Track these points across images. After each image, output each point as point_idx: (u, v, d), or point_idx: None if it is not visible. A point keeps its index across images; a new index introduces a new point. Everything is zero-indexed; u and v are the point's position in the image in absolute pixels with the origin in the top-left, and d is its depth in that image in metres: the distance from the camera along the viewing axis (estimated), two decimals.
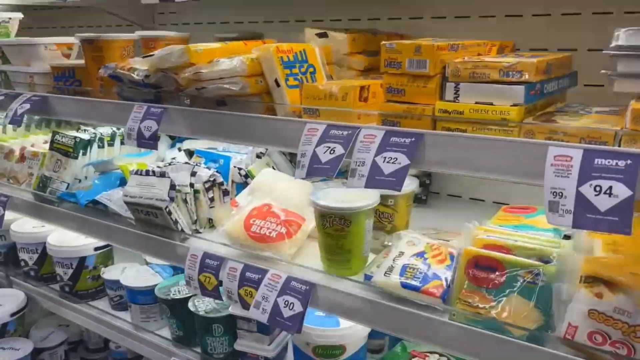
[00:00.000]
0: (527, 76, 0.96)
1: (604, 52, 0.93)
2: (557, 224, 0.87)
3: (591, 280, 0.95)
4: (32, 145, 2.12)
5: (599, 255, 1.03)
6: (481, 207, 1.76)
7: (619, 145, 0.87)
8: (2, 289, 2.24)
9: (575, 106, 1.11)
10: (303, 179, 1.13)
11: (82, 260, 1.96)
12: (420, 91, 1.04)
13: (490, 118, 0.97)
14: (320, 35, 1.49)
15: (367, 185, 1.02)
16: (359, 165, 1.04)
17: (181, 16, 2.41)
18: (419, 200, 1.76)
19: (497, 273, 1.06)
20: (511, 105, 0.96)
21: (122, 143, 2.07)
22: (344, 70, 1.49)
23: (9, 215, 1.96)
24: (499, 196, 1.72)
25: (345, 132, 1.09)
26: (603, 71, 0.94)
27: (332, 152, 1.08)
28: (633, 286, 0.91)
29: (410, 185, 1.37)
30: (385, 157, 1.02)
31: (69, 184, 1.87)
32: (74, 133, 1.98)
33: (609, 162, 0.83)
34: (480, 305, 1.05)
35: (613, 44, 0.92)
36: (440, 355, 1.45)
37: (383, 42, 1.08)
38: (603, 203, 0.82)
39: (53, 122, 2.42)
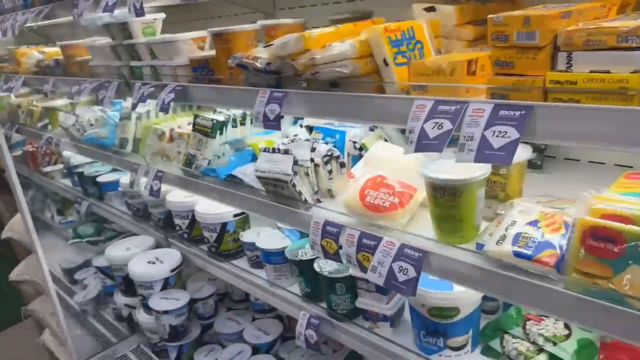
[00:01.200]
0: None
1: None
2: None
3: None
4: (179, 127, 2.32)
5: None
6: (601, 170, 1.61)
7: None
8: (163, 249, 2.53)
9: None
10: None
11: (224, 225, 2.13)
12: (529, 63, 0.97)
13: (606, 87, 0.87)
14: (428, 10, 1.43)
15: (476, 160, 0.98)
16: (467, 140, 1.01)
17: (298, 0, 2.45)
18: (533, 165, 1.65)
19: (616, 244, 0.97)
20: (631, 72, 0.86)
21: (252, 122, 2.19)
22: (453, 42, 1.42)
23: (164, 187, 2.19)
24: (621, 159, 1.56)
25: (453, 107, 1.05)
26: None
27: (440, 127, 1.05)
28: None
29: (523, 154, 1.29)
30: (494, 131, 0.97)
31: (209, 160, 2.03)
32: (211, 115, 2.13)
33: None
34: (598, 276, 0.98)
35: None
36: (556, 319, 1.39)
37: (490, 15, 1.01)
38: None
39: (194, 105, 2.62)
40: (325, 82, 1.35)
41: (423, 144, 1.06)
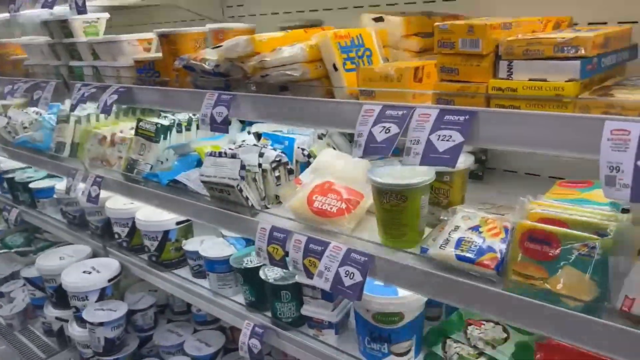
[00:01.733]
0: (583, 51, 0.90)
1: None
2: (614, 198, 0.82)
3: None
4: (121, 132, 2.24)
5: None
6: (537, 182, 1.69)
7: None
8: (100, 258, 2.41)
9: (634, 79, 1.04)
10: (360, 158, 1.13)
11: (166, 233, 2.06)
12: (473, 70, 1.01)
13: (544, 94, 0.92)
14: (377, 20, 1.46)
15: (421, 163, 1.00)
16: (413, 144, 1.03)
17: (248, 8, 2.44)
18: (475, 176, 1.71)
19: (551, 246, 1.02)
20: (566, 81, 0.91)
21: (198, 128, 2.15)
22: (400, 52, 1.46)
23: (103, 193, 2.09)
24: (554, 171, 1.64)
25: (400, 112, 1.07)
26: None
27: (387, 131, 1.07)
28: None
29: (466, 161, 1.33)
30: (439, 135, 1.00)
31: (152, 166, 1.97)
32: (155, 119, 2.07)
33: None
34: (535, 277, 1.02)
35: None
36: (496, 323, 1.43)
37: (437, 23, 1.05)
38: None
39: (138, 109, 2.54)
40: (275, 85, 1.34)
41: (371, 147, 1.07)
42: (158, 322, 2.47)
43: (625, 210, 1.08)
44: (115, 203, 2.25)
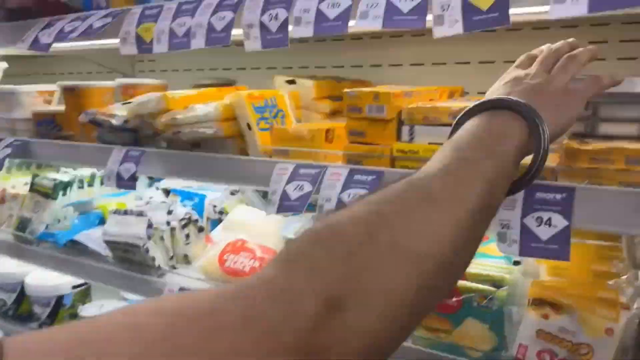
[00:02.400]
0: None
1: None
2: (506, 253, 0.91)
3: (538, 302, 0.99)
4: (13, 187, 2.08)
5: (544, 280, 1.07)
6: None
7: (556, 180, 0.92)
8: None
9: None
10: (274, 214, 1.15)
11: (60, 298, 1.90)
12: (379, 133, 1.08)
13: None
14: (290, 82, 1.53)
15: None
16: (325, 202, 1.07)
17: (159, 64, 2.44)
18: None
19: (454, 299, 1.08)
20: None
21: (101, 183, 2.05)
22: (312, 114, 1.53)
23: None
24: None
25: (313, 171, 1.12)
26: None
27: (300, 189, 1.10)
28: (574, 307, 0.95)
29: None
30: (349, 194, 1.04)
31: (47, 225, 1.84)
32: (53, 175, 1.96)
33: (547, 195, 0.88)
34: (441, 329, 1.08)
35: None
36: None
37: (345, 89, 1.12)
38: (544, 233, 0.86)
39: (33, 164, 2.38)
40: (186, 142, 1.34)
41: (285, 205, 1.09)
42: None
43: (516, 263, 1.18)
44: (2, 266, 2.05)
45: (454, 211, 0.57)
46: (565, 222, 0.84)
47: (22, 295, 2.00)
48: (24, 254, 1.82)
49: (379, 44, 1.77)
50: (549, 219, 0.86)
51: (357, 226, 0.53)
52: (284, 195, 1.11)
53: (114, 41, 1.36)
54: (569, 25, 1.41)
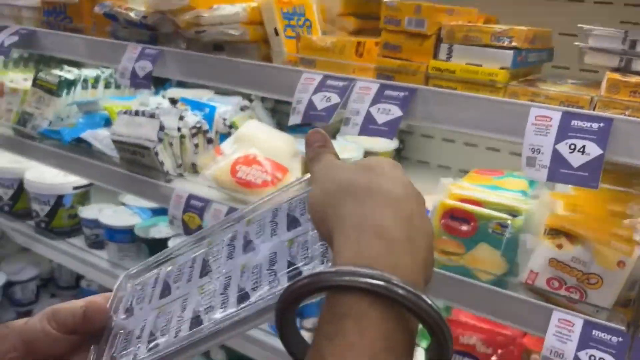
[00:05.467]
0: (516, 43, 1.00)
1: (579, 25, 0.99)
2: (533, 178, 0.92)
3: (554, 232, 1.01)
4: (12, 82, 2.03)
5: (561, 213, 1.10)
6: (447, 173, 1.82)
7: (594, 110, 0.93)
8: None
9: (551, 77, 1.17)
10: (297, 125, 1.14)
11: (60, 198, 1.91)
12: (416, 49, 1.07)
13: (479, 78, 1.00)
14: None
15: (360, 133, 1.04)
16: (353, 115, 1.06)
17: None
18: None
19: (469, 224, 1.11)
20: (499, 68, 1.00)
21: (105, 86, 2.01)
22: (335, 30, 1.49)
23: None
24: (464, 164, 1.78)
25: (341, 83, 1.10)
26: (576, 43, 1.00)
27: (328, 100, 1.09)
28: (590, 238, 0.98)
29: (391, 144, 1.40)
30: (379, 108, 1.04)
31: (51, 122, 1.81)
32: (58, 72, 1.91)
33: (584, 124, 0.89)
34: (453, 252, 1.11)
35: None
36: None
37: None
38: (576, 160, 0.87)
39: (32, 61, 2.32)
40: (208, 44, 1.31)
41: (311, 115, 1.09)
42: (40, 296, 2.28)
43: (534, 197, 1.21)
44: None
45: None
46: (599, 151, 0.85)
47: (20, 190, 2.01)
48: (24, 150, 1.81)
49: None
50: (583, 147, 0.87)
51: None
52: (310, 105, 1.10)
53: None
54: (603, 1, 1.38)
